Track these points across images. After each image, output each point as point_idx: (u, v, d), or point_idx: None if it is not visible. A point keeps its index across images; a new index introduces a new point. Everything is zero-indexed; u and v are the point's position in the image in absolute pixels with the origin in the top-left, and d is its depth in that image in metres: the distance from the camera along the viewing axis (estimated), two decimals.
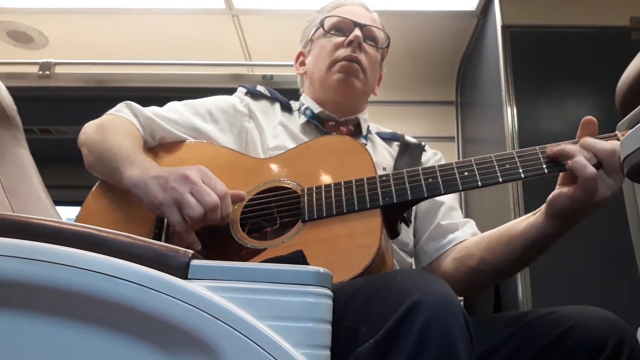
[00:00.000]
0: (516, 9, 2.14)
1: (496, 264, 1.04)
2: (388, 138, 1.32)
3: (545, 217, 0.96)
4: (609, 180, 0.88)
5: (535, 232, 0.98)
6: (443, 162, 1.29)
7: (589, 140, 0.91)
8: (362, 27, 1.24)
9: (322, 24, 1.29)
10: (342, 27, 1.27)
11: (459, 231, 1.17)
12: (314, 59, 1.29)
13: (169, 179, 0.93)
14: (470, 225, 1.19)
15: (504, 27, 2.09)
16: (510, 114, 1.96)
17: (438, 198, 1.17)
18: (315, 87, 1.28)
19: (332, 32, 1.27)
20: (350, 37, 1.22)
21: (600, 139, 0.92)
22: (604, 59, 1.96)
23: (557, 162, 0.91)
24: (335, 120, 1.25)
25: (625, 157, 0.64)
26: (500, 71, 2.02)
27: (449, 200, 1.22)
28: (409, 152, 1.27)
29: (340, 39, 1.24)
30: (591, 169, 0.87)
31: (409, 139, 1.32)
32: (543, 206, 0.97)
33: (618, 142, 0.90)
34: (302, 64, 1.35)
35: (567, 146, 0.91)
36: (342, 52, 1.23)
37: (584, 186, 0.88)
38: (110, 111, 1.18)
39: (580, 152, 0.90)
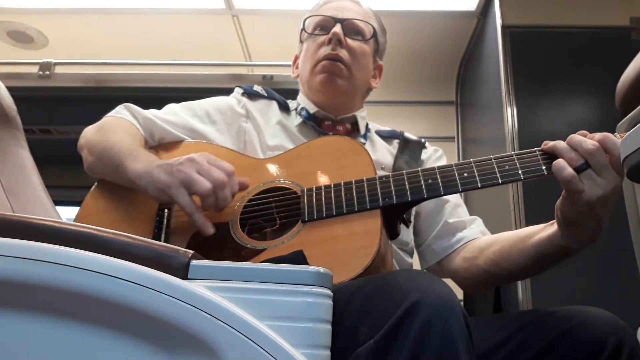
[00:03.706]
0: (516, 9, 2.14)
1: (508, 268, 1.03)
2: (387, 136, 1.31)
3: (558, 228, 0.94)
4: (599, 179, 0.86)
5: (549, 244, 0.96)
6: (444, 158, 1.29)
7: (576, 138, 0.89)
8: (342, 22, 1.22)
9: (304, 26, 1.29)
10: (324, 26, 1.25)
11: (467, 229, 1.17)
12: (302, 61, 1.29)
13: (174, 164, 0.95)
14: (478, 224, 1.19)
15: (504, 27, 2.09)
16: (510, 114, 1.96)
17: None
18: (306, 89, 1.28)
19: (315, 32, 1.26)
20: (329, 34, 1.21)
21: None
22: (604, 59, 1.96)
23: None
24: (332, 120, 1.25)
25: (626, 157, 0.64)
26: (500, 71, 2.02)
27: (454, 197, 1.22)
28: (409, 149, 1.27)
29: (322, 37, 1.23)
30: (569, 171, 0.86)
31: (409, 136, 1.32)
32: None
33: (602, 140, 0.88)
34: (297, 67, 1.34)
35: (558, 144, 0.91)
36: (323, 51, 1.21)
37: (566, 188, 0.87)
38: (109, 114, 1.19)
39: (568, 151, 0.88)
